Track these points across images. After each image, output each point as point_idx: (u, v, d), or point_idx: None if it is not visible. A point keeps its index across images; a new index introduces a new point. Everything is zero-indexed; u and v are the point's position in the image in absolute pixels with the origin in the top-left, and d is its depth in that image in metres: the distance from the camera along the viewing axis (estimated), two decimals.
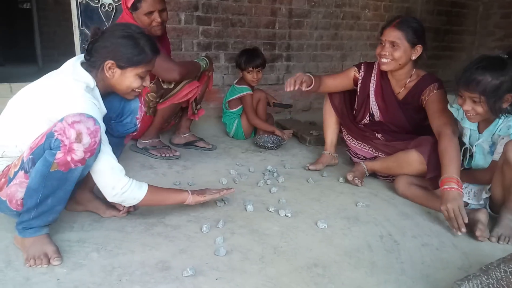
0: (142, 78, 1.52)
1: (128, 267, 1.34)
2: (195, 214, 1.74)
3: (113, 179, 1.41)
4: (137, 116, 1.72)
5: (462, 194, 1.67)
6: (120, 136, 1.73)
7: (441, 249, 1.55)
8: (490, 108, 1.61)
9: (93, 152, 1.31)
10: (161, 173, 2.22)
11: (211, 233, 1.58)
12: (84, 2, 2.85)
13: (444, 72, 5.06)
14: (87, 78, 1.43)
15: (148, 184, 1.52)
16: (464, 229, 1.60)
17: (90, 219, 1.65)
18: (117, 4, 2.87)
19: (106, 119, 1.67)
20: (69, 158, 1.27)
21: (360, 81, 2.30)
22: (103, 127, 1.39)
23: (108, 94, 1.58)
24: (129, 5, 2.16)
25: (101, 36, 1.46)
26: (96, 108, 1.38)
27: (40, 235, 1.37)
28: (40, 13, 5.64)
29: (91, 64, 1.46)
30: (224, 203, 1.86)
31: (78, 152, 1.27)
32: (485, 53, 1.76)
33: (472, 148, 1.85)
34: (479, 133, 1.82)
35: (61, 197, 1.35)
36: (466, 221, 1.60)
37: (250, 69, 2.89)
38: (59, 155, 1.26)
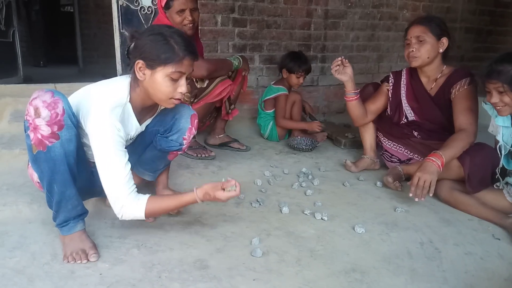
0: (174, 80, 1.38)
1: (167, 264, 1.36)
2: (231, 215, 1.76)
3: (112, 204, 1.37)
4: (185, 136, 1.66)
5: (439, 171, 1.79)
6: (162, 151, 1.69)
7: (486, 259, 1.49)
8: None
9: (61, 124, 1.26)
10: (197, 173, 2.25)
11: (247, 233, 1.59)
12: (124, 5, 2.94)
13: None
14: (120, 94, 1.41)
15: (149, 197, 1.40)
16: (423, 199, 1.77)
17: None
18: (156, 7, 2.93)
19: (153, 131, 1.66)
20: (39, 136, 1.25)
21: (391, 89, 2.32)
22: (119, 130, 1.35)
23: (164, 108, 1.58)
24: (163, 3, 2.22)
25: (136, 39, 1.40)
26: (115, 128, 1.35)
27: (76, 231, 1.40)
28: (82, 16, 5.85)
29: (130, 69, 1.42)
30: (259, 204, 1.87)
31: (43, 127, 1.24)
32: None
33: (508, 145, 1.78)
34: None
35: (62, 180, 1.32)
36: (431, 194, 1.77)
37: (301, 72, 2.89)
38: (31, 135, 1.26)
